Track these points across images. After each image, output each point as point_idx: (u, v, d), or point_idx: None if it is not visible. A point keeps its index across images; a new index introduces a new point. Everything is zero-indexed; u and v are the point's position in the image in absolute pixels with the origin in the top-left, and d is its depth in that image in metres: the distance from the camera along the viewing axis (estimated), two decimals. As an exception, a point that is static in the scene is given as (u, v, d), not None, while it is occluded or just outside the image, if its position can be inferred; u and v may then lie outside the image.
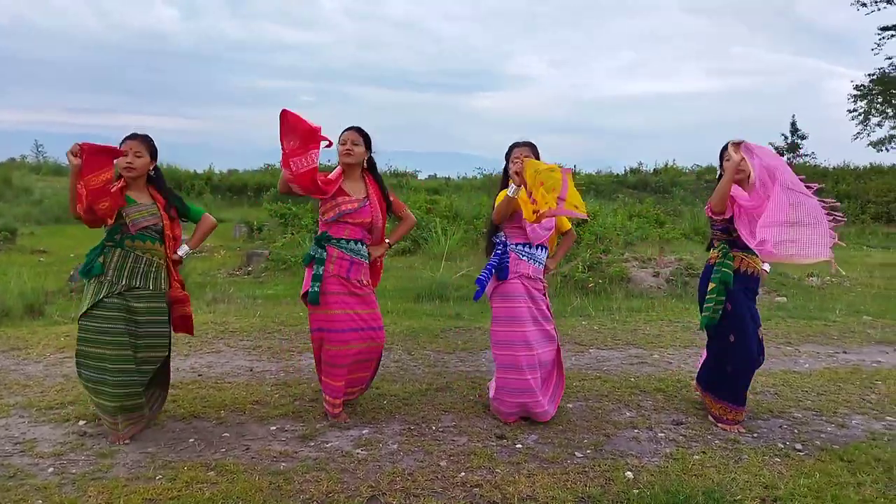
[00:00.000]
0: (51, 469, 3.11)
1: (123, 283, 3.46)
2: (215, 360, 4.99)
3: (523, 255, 3.81)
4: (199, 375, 4.60)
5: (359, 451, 3.37)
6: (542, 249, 3.87)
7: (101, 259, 3.49)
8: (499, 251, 3.83)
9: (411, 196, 14.97)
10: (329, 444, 3.45)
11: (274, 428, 3.66)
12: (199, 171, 19.77)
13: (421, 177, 22.68)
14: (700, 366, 4.03)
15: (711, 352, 3.89)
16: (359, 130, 3.84)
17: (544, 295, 3.90)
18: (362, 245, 3.84)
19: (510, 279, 3.77)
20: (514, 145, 3.84)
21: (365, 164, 3.90)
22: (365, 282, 3.85)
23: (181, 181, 18.15)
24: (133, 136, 3.58)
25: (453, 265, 9.15)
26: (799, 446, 3.52)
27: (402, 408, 4.01)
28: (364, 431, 3.62)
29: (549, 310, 3.90)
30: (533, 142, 3.84)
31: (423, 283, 8.17)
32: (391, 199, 3.97)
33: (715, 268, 3.76)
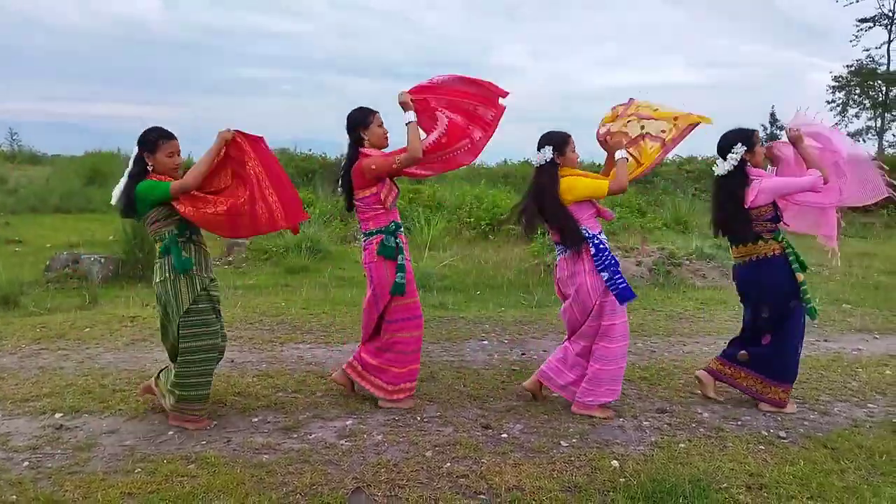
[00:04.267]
0: (26, 463, 3.03)
1: (205, 275, 3.53)
2: (195, 351, 4.90)
3: (608, 248, 3.73)
4: (178, 367, 4.52)
5: (343, 442, 3.33)
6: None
7: (184, 254, 3.46)
8: (603, 247, 3.69)
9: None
10: (312, 436, 3.40)
11: (256, 419, 3.61)
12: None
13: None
14: (754, 360, 3.92)
15: (786, 336, 3.87)
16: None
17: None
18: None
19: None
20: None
21: None
22: None
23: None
24: (172, 136, 3.51)
25: (437, 255, 9.10)
26: (783, 434, 3.54)
27: (387, 398, 3.96)
28: (348, 422, 3.58)
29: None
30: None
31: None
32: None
33: (790, 257, 3.83)
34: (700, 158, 19.63)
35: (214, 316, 3.57)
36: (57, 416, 3.59)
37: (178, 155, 3.53)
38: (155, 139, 3.46)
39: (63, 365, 4.52)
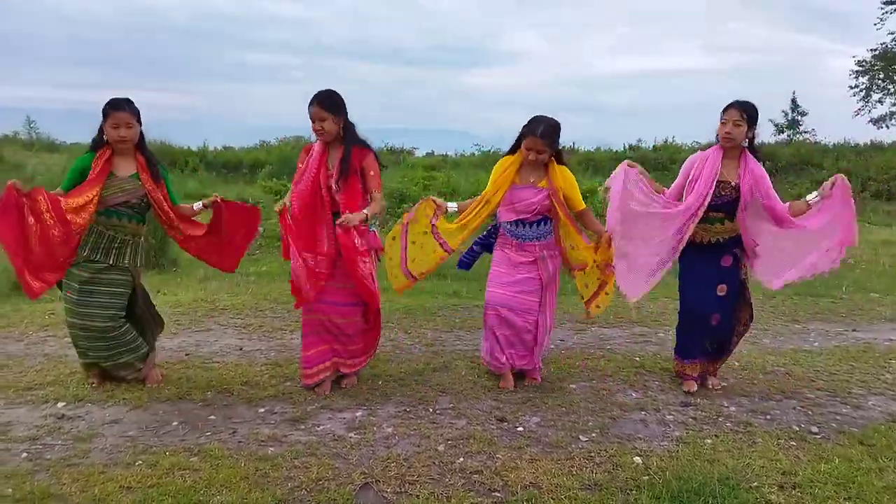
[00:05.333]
0: (24, 454, 2.92)
1: (84, 254, 3.58)
2: (204, 339, 4.79)
3: (508, 234, 3.84)
4: (186, 355, 4.41)
5: (352, 434, 3.20)
6: (531, 226, 3.76)
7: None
8: (490, 229, 3.97)
9: (409, 173, 14.69)
10: (320, 428, 3.27)
11: (263, 410, 3.48)
12: (194, 147, 19.38)
13: (418, 153, 22.32)
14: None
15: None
16: (321, 101, 3.54)
17: (536, 266, 3.81)
18: None
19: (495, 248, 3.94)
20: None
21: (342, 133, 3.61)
22: None
23: (175, 158, 17.80)
24: (119, 107, 3.51)
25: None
26: (815, 429, 3.36)
27: (398, 389, 3.82)
28: (357, 414, 3.44)
29: (537, 281, 3.81)
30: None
31: (419, 261, 7.96)
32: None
33: None
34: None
35: (78, 295, 3.58)
36: (59, 405, 3.49)
37: (125, 128, 3.53)
38: (106, 109, 3.53)
39: (68, 353, 4.40)
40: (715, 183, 3.61)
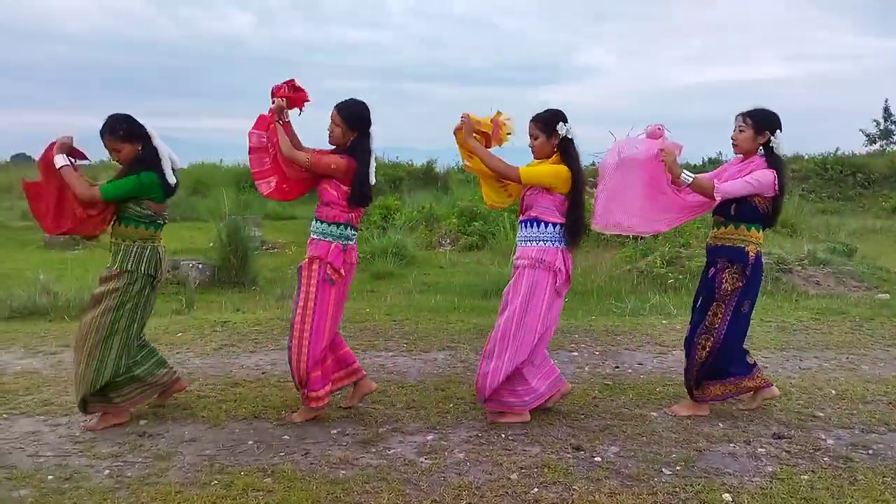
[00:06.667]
0: (107, 471, 3.01)
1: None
2: (280, 358, 4.85)
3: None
4: (262, 373, 4.48)
5: (422, 459, 3.14)
6: (525, 226, 3.61)
7: None
8: None
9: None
10: (391, 451, 3.23)
11: (335, 431, 3.48)
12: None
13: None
14: None
15: None
16: (341, 110, 3.57)
17: (519, 273, 3.60)
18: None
19: None
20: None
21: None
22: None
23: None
24: (104, 132, 3.48)
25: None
26: (925, 467, 3.06)
27: (469, 412, 3.74)
28: (429, 438, 3.39)
29: (517, 287, 3.58)
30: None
31: (490, 279, 7.88)
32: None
33: None
34: (806, 157, 18.37)
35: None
36: (141, 422, 3.59)
37: (112, 151, 3.54)
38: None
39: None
40: None
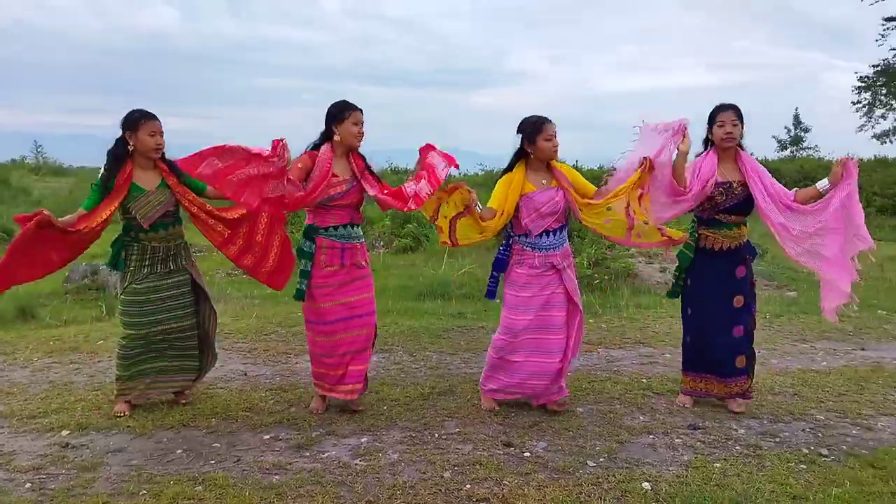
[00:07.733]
0: (28, 485, 2.91)
1: (145, 272, 3.68)
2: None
3: (526, 246, 3.73)
4: (191, 380, 4.39)
5: (357, 461, 3.17)
6: (555, 234, 3.74)
7: (122, 255, 3.69)
8: (502, 245, 3.84)
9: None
10: (326, 454, 3.25)
11: (267, 437, 3.46)
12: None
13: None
14: None
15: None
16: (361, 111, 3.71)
17: (560, 278, 3.75)
18: (353, 227, 3.71)
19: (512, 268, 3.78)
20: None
21: None
22: (363, 263, 3.75)
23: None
24: (153, 116, 3.60)
25: (456, 262, 8.93)
26: (825, 451, 3.32)
27: (404, 413, 3.80)
28: (363, 440, 3.42)
29: (562, 294, 3.75)
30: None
31: (424, 282, 7.96)
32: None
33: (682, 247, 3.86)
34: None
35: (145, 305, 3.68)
36: (64, 433, 3.48)
37: (160, 136, 3.62)
38: (138, 118, 3.56)
39: (74, 379, 4.41)
40: (715, 184, 3.68)
